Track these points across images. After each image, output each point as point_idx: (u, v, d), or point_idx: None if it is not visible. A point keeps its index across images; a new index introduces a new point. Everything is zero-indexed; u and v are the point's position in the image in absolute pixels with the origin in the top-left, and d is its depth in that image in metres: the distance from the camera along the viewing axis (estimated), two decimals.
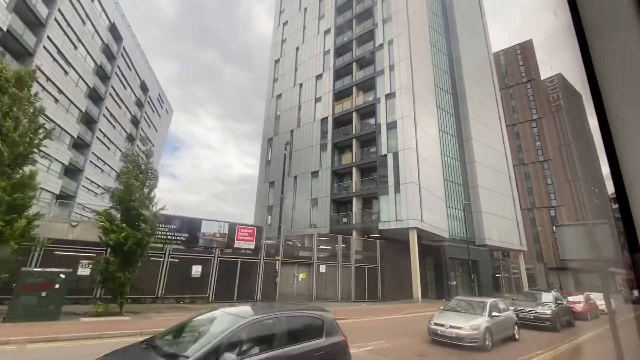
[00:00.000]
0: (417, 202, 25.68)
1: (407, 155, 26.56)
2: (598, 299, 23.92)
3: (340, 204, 30.98)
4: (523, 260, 39.96)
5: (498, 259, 41.49)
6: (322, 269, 22.20)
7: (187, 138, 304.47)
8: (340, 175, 31.78)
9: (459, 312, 11.28)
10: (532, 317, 14.11)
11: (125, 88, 44.53)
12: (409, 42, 30.92)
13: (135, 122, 49.49)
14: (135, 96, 48.35)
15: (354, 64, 33.90)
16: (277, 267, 20.03)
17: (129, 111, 46.51)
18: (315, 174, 33.32)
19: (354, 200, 29.22)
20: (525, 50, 70.68)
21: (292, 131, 37.53)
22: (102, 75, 38.80)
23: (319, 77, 36.96)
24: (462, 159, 37.72)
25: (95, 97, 37.70)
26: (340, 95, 34.37)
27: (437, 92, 37.22)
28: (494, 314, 10.70)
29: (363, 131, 30.64)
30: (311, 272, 21.64)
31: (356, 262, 24.08)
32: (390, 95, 29.59)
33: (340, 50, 36.24)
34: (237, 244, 18.85)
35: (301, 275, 21.31)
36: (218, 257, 18.02)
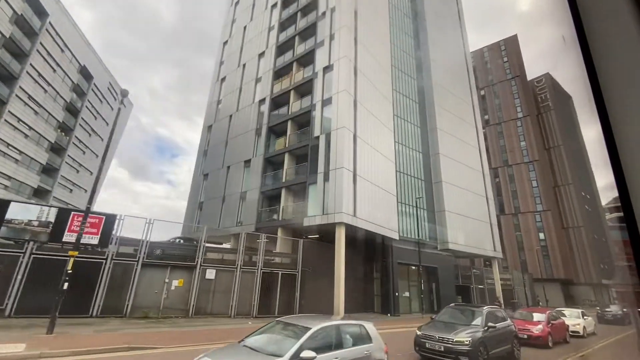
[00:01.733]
0: (349, 193, 20.66)
1: (340, 135, 21.64)
2: (573, 317, 18.81)
3: (272, 198, 25.92)
4: (497, 269, 34.70)
5: (469, 267, 36.23)
6: (210, 274, 17.02)
7: (185, 145, 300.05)
8: (274, 164, 26.80)
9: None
10: (441, 349, 9.02)
11: (54, 70, 39.76)
12: (355, 10, 26.38)
13: (72, 110, 44.60)
14: (72, 81, 43.56)
15: (297, 38, 29.28)
16: (135, 270, 14.89)
17: (61, 96, 41.63)
18: (247, 163, 28.35)
19: (283, 193, 24.18)
20: (509, 46, 66.69)
21: (230, 116, 32.71)
22: (17, 52, 34.10)
23: (261, 55, 32.33)
24: (425, 151, 32.85)
25: (6, 75, 32.91)
26: (280, 73, 29.67)
27: (397, 74, 32.59)
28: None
29: (300, 111, 25.77)
30: (194, 278, 16.46)
31: (266, 267, 18.91)
32: (328, 69, 24.85)
33: (285, 25, 31.70)
34: (67, 237, 13.70)
35: (176, 282, 16.12)
36: (32, 253, 12.90)
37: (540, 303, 46.90)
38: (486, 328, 9.65)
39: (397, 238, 25.35)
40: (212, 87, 37.98)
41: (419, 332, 9.88)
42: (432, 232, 29.69)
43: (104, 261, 14.37)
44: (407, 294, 26.03)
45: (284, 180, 24.51)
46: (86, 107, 47.91)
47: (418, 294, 27.18)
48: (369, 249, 26.10)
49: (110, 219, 14.88)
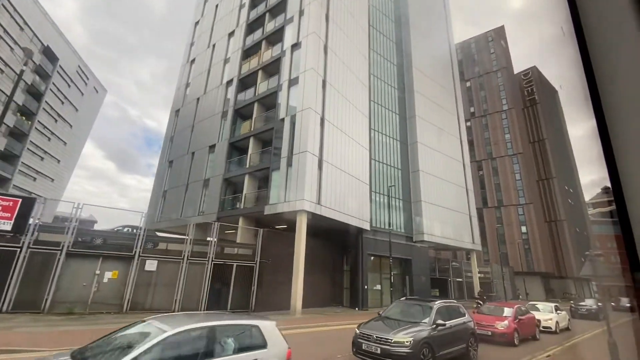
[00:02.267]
0: (312, 179, 19.12)
1: (305, 117, 20.02)
2: (546, 311, 17.78)
3: (237, 185, 24.23)
4: (475, 262, 33.81)
5: (448, 259, 35.28)
6: (151, 265, 15.34)
7: None
8: (239, 149, 25.06)
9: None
10: (377, 351, 7.62)
11: (12, 49, 36.97)
12: None
13: (34, 93, 41.82)
14: (34, 62, 40.72)
15: (267, 15, 27.36)
16: (58, 260, 13.14)
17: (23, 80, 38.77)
18: (212, 148, 26.53)
19: (246, 180, 22.51)
20: (497, 38, 65.63)
21: (198, 99, 30.73)
22: None
23: (231, 34, 30.32)
24: (403, 140, 31.48)
25: None
26: (249, 52, 27.77)
27: (375, 58, 31.01)
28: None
29: (267, 92, 24.00)
30: (131, 270, 14.76)
31: (218, 258, 17.31)
32: (296, 46, 23.10)
33: (256, 1, 29.70)
34: None
35: (109, 274, 14.41)
36: None
37: (520, 296, 46.57)
38: (434, 326, 8.29)
39: (369, 228, 24.00)
40: (181, 70, 35.81)
41: (357, 331, 8.47)
42: (407, 223, 28.47)
43: (18, 250, 12.57)
44: (378, 287, 24.80)
45: (247, 165, 22.83)
46: (51, 90, 45.10)
47: (391, 286, 25.98)
48: (339, 240, 24.73)
49: (27, 203, 13.03)
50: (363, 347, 7.98)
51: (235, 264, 17.76)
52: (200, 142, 27.93)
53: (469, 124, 63.81)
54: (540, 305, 18.41)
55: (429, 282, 27.99)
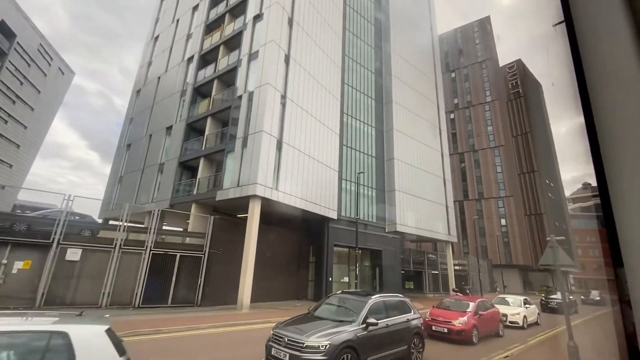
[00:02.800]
0: (269, 162, 17.42)
1: (263, 94, 18.22)
2: (515, 305, 16.71)
3: (193, 170, 22.33)
4: (451, 254, 32.87)
5: (423, 251, 34.27)
6: (74, 254, 13.48)
7: None
8: (198, 130, 23.10)
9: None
10: (285, 357, 6.11)
11: None
12: None
13: None
14: None
15: None
16: None
17: None
18: (170, 130, 24.49)
19: (202, 163, 20.67)
20: (483, 28, 64.55)
21: (159, 78, 28.47)
22: None
23: (195, 8, 28.05)
24: (379, 127, 29.99)
25: None
26: (212, 26, 25.63)
27: (351, 39, 29.28)
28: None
29: (227, 67, 22.03)
30: (48, 259, 12.87)
31: (159, 247, 15.53)
32: (258, 18, 21.15)
33: None
34: None
35: (20, 264, 12.50)
36: None
37: (498, 289, 46.27)
38: (364, 326, 6.82)
39: (336, 217, 22.53)
40: (144, 48, 33.31)
41: (272, 331, 6.94)
42: (380, 213, 27.13)
43: None
44: (346, 279, 23.45)
45: (203, 147, 20.95)
46: (7, 69, 41.79)
47: (361, 278, 24.69)
48: (306, 230, 23.24)
49: None
50: (272, 352, 6.46)
51: (178, 254, 16.02)
52: (158, 124, 25.83)
53: (452, 115, 62.97)
54: (510, 298, 17.35)
55: (400, 274, 26.82)
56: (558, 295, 21.64)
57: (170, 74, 27.13)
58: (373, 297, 7.78)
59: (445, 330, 11.02)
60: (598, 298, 23.95)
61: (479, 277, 33.47)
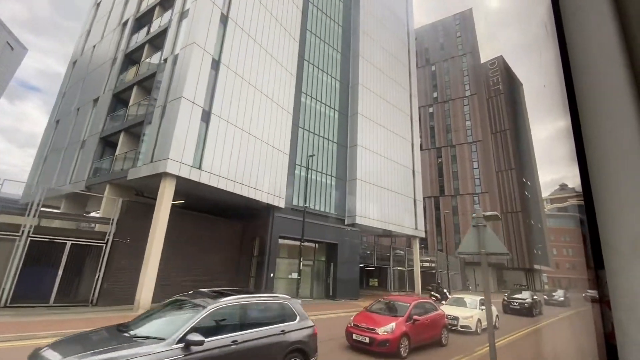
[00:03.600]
0: (189, 135, 14.64)
1: (188, 54, 15.40)
2: (471, 307, 14.60)
3: (116, 146, 19.27)
4: (417, 249, 30.89)
5: (389, 246, 32.19)
6: None
7: None
8: (124, 101, 20.02)
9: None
10: None
11: None
12: None
13: None
14: None
15: None
16: None
17: None
18: (96, 102, 21.33)
19: (121, 137, 17.72)
20: (464, 21, 63.00)
21: (94, 46, 25.14)
22: None
23: None
24: (343, 110, 27.53)
25: None
26: None
27: (314, 12, 26.66)
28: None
29: (159, 29, 19.02)
30: None
31: (40, 233, 12.58)
32: None
33: None
34: None
35: None
36: None
37: (470, 287, 44.87)
38: (182, 346, 4.29)
39: (283, 206, 19.97)
40: (86, 16, 29.75)
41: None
42: (340, 204, 24.76)
43: None
44: (294, 275, 20.95)
45: (125, 120, 17.97)
46: None
47: (313, 275, 22.28)
48: (250, 219, 20.63)
49: None
50: None
51: (70, 243, 13.11)
52: (87, 96, 22.60)
53: (431, 109, 61.37)
54: (468, 298, 15.24)
55: (358, 270, 24.52)
56: (523, 295, 19.79)
57: (105, 42, 23.87)
58: (223, 299, 5.23)
59: (367, 340, 8.64)
60: (562, 298, 22.31)
61: (448, 275, 31.62)
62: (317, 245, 22.84)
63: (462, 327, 12.79)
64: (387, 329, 8.69)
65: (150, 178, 14.24)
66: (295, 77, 22.97)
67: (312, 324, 6.45)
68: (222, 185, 15.95)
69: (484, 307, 14.17)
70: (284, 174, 20.48)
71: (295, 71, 23.04)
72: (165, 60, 16.67)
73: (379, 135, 28.94)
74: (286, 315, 6.10)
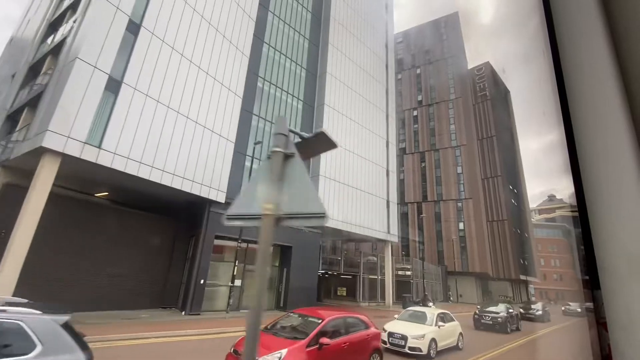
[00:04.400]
0: (82, 103, 11.88)
1: (93, 10, 12.77)
2: (428, 322, 11.91)
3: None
4: (390, 256, 28.23)
5: (360, 252, 29.50)
6: None
7: None
8: (39, 72, 17.18)
9: None
10: None
11: None
12: None
13: None
14: None
15: None
16: None
17: None
18: (14, 77, 18.48)
19: (24, 113, 14.86)
20: (450, 24, 61.81)
21: (29, 20, 22.37)
22: None
23: None
24: (309, 100, 25.10)
25: None
26: None
27: None
28: None
29: None
30: None
31: None
32: None
33: None
34: None
35: None
36: None
37: (452, 298, 42.25)
38: None
39: (223, 201, 17.22)
40: None
41: None
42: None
43: None
44: (238, 282, 18.07)
45: (29, 92, 15.16)
46: None
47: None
48: (187, 216, 17.85)
49: None
50: None
51: None
52: (12, 67, 19.79)
53: (415, 112, 59.58)
54: (427, 312, 12.55)
55: (316, 277, 21.74)
56: (497, 309, 17.19)
57: (39, 13, 21.14)
58: None
59: None
60: (540, 312, 19.84)
61: (424, 284, 28.97)
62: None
63: (410, 349, 10.10)
64: (274, 357, 5.98)
65: (32, 157, 11.41)
66: (248, 58, 20.47)
67: (81, 358, 3.72)
68: (131, 170, 13.16)
69: (443, 323, 11.55)
70: (226, 164, 17.78)
71: (248, 51, 20.55)
72: (76, 20, 13.99)
73: (348, 130, 26.52)
74: (12, 344, 3.37)
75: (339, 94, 26.50)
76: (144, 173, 13.78)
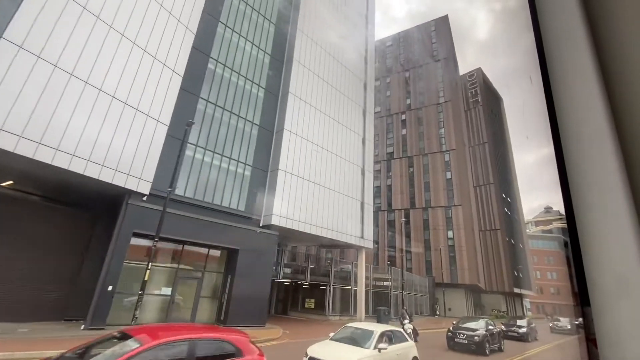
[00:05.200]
0: None
1: None
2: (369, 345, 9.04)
3: None
4: (363, 263, 25.28)
5: (331, 259, 26.59)
6: None
7: None
8: None
9: None
10: None
11: None
12: None
13: None
14: None
15: None
16: None
17: None
18: None
19: None
20: (440, 27, 60.39)
21: None
22: None
23: None
24: (273, 90, 22.68)
25: None
26: None
27: None
28: None
29: None
30: None
31: None
32: None
33: None
34: None
35: None
36: None
37: (438, 313, 39.07)
38: None
39: (147, 192, 14.47)
40: None
41: None
42: (254, 200, 19.36)
43: None
44: (167, 291, 15.16)
45: None
46: None
47: (199, 291, 16.47)
48: (104, 210, 15.07)
49: None
50: None
51: None
52: None
53: (404, 116, 57.46)
54: (377, 330, 9.69)
55: (269, 287, 18.78)
56: (476, 325, 14.30)
57: None
58: None
59: None
60: (524, 330, 16.98)
61: (403, 297, 25.98)
62: (209, 251, 17.18)
63: None
64: None
65: None
66: (194, 34, 18.04)
67: None
68: (25, 151, 10.47)
69: (385, 345, 8.71)
70: (155, 150, 15.10)
71: (195, 28, 18.14)
72: None
73: (318, 123, 24.01)
74: None
75: (308, 83, 24.11)
76: (43, 156, 11.16)
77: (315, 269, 26.62)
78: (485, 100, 70.90)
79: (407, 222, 48.85)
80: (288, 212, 20.05)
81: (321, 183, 22.89)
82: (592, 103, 0.82)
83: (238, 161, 19.42)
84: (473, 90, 73.04)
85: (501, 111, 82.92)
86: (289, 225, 19.85)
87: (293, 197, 20.64)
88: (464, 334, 13.14)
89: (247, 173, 19.78)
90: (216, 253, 17.72)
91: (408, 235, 48.46)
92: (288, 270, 25.92)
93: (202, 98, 18.45)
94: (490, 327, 14.05)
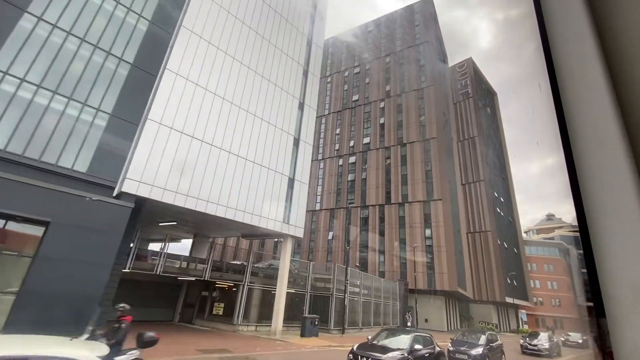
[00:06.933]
0: None
1: None
2: None
3: None
4: (288, 256, 19.38)
5: (250, 252, 20.73)
6: None
7: None
8: None
9: None
10: None
11: None
12: None
13: None
14: None
15: None
16: None
17: None
18: None
19: None
20: (424, 10, 55.39)
21: None
22: None
23: None
24: (157, 19, 17.27)
25: None
26: None
27: None
28: None
29: None
30: None
31: None
32: None
33: None
34: None
35: None
36: None
37: (410, 324, 32.77)
38: None
39: None
40: None
41: None
42: (103, 159, 13.75)
43: None
44: None
45: None
46: None
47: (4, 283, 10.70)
48: None
49: None
50: None
51: None
52: None
53: (382, 104, 52.07)
54: None
55: (105, 281, 12.91)
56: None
57: None
58: None
59: None
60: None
61: (345, 303, 19.94)
62: (7, 223, 11.47)
63: None
64: None
65: None
66: None
67: None
68: None
69: None
70: None
71: None
72: None
73: (228, 73, 18.54)
74: None
75: (218, 22, 18.72)
76: None
77: (234, 266, 20.80)
78: (475, 92, 65.55)
79: (382, 220, 42.98)
80: (161, 179, 14.40)
81: (225, 147, 17.27)
82: (602, 108, 0.81)
83: (87, 105, 13.88)
84: (463, 81, 67.77)
85: (495, 107, 77.48)
86: (157, 196, 14.18)
87: (171, 161, 15.02)
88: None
89: (102, 123, 14.21)
90: (29, 229, 12.02)
91: (382, 234, 42.52)
92: (201, 267, 20.20)
93: (33, 15, 13.01)
94: (438, 348, 8.33)
